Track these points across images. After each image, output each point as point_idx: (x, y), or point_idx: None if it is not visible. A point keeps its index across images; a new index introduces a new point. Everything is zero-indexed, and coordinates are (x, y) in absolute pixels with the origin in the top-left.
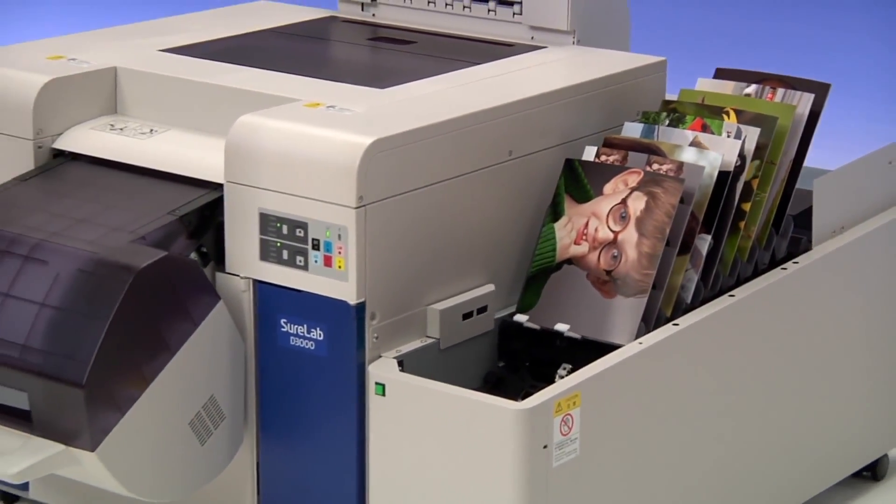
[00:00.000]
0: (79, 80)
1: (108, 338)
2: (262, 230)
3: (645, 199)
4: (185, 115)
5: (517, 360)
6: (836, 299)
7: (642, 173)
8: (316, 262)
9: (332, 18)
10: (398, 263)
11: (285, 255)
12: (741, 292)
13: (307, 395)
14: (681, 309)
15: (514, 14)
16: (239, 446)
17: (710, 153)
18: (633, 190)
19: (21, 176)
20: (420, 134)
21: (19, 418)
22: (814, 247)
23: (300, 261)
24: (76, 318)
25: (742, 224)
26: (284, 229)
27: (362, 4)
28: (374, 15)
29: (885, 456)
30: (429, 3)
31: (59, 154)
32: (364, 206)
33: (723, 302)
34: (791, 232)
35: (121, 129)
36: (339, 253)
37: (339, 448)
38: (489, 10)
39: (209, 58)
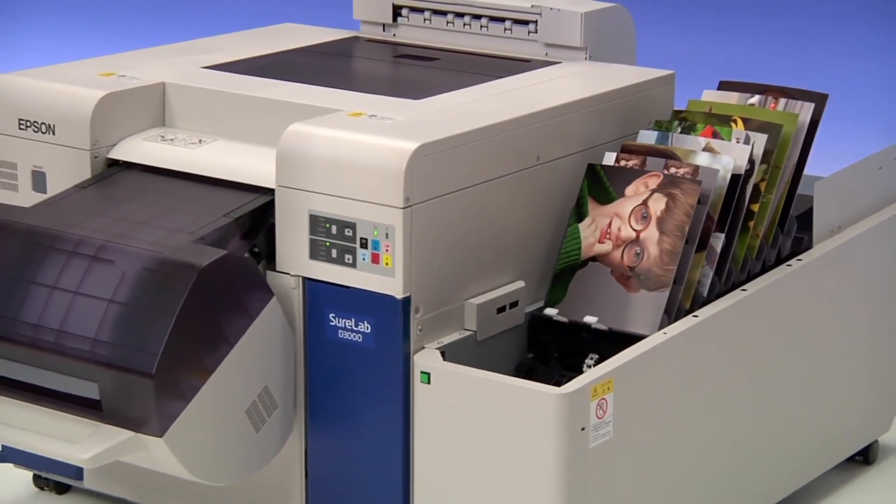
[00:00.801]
0: (130, 94)
1: (174, 331)
2: (312, 230)
3: (665, 200)
4: (232, 126)
5: (546, 351)
6: (834, 294)
7: (662, 176)
8: (364, 259)
9: (356, 38)
10: (439, 260)
11: (334, 253)
12: (752, 287)
13: (354, 385)
14: (698, 302)
15: (529, 32)
16: (289, 434)
17: (722, 157)
18: (653, 192)
19: (80, 184)
20: (459, 140)
21: (89, 407)
22: (814, 245)
23: (348, 259)
24: (143, 313)
25: (751, 224)
26: (333, 229)
27: (383, 25)
28: (394, 35)
29: (876, 442)
30: (448, 23)
31: (114, 163)
32: (410, 206)
33: (736, 296)
34: (794, 231)
35: (171, 140)
36: (387, 251)
37: (384, 434)
38: (505, 29)
39: (249, 73)
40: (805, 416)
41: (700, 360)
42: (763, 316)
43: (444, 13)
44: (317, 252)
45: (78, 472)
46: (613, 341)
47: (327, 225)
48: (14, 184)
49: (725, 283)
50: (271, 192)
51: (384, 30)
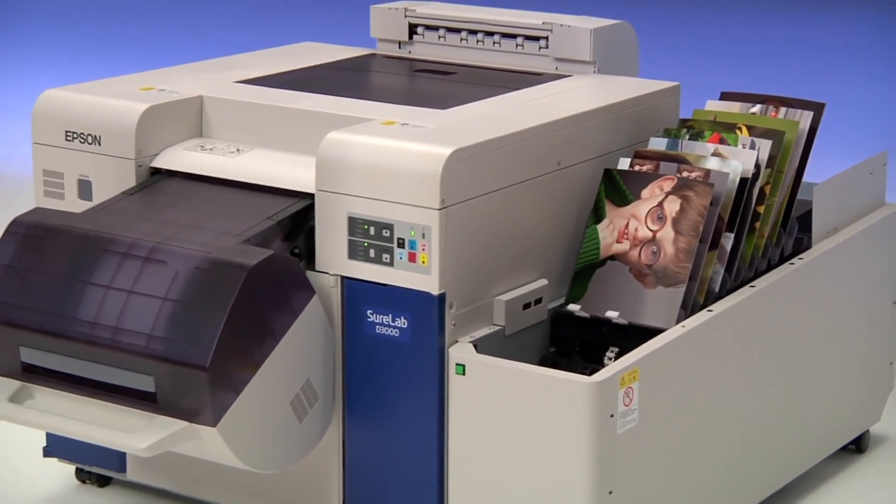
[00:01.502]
0: (171, 107)
1: (226, 326)
2: (350, 232)
3: (679, 201)
4: (267, 136)
5: (568, 345)
6: (831, 291)
7: (676, 179)
8: (401, 258)
9: (374, 55)
10: (470, 259)
11: (372, 253)
12: (760, 283)
13: (391, 378)
14: (711, 297)
15: (539, 48)
16: (329, 424)
17: (731, 162)
18: (668, 194)
19: (126, 191)
20: (488, 146)
21: (144, 400)
22: (814, 245)
23: (386, 258)
24: (196, 310)
25: (757, 224)
26: (371, 230)
27: (399, 43)
28: (410, 52)
29: (868, 431)
30: (461, 40)
31: (156, 171)
32: (445, 208)
33: (746, 292)
34: (796, 232)
35: (210, 149)
36: (423, 250)
37: (420, 424)
38: (517, 45)
39: (280, 87)
40: (805, 405)
41: (714, 352)
42: (769, 311)
43: (458, 31)
44: (355, 252)
45: (121, 465)
46: (632, 335)
47: (365, 226)
48: (61, 192)
49: (735, 279)
50: (310, 196)
51: (400, 47)
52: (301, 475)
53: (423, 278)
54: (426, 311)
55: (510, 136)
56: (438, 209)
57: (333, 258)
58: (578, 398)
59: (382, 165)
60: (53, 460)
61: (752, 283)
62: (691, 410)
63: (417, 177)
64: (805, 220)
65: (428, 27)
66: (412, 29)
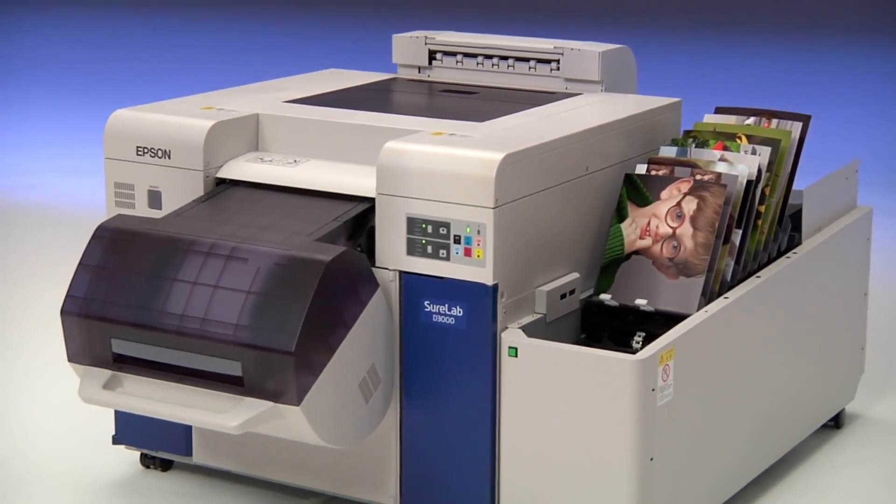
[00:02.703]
0: (233, 123)
1: (308, 315)
2: (409, 230)
3: (696, 201)
4: (320, 148)
5: (597, 331)
6: (819, 281)
7: (692, 181)
8: (457, 253)
9: (396, 79)
10: (517, 253)
11: (429, 249)
12: (765, 274)
13: (446, 362)
14: (725, 286)
15: (551, 70)
16: (389, 406)
17: (739, 165)
18: (685, 194)
19: (197, 199)
20: (533, 152)
21: (231, 383)
22: (804, 241)
23: (442, 253)
24: (279, 301)
25: (759, 222)
26: (429, 229)
27: (419, 68)
28: (429, 76)
29: (844, 409)
30: (478, 64)
31: (221, 182)
32: (498, 206)
33: (754, 282)
34: (789, 229)
35: (269, 161)
36: (478, 245)
37: (474, 403)
38: (529, 68)
39: (325, 105)
40: (796, 384)
41: (731, 334)
42: (773, 299)
43: (474, 56)
44: (413, 249)
45: (187, 449)
46: (657, 321)
47: (423, 225)
48: (131, 202)
49: (742, 270)
50: (369, 200)
51: (419, 71)
52: (360, 454)
53: (479, 270)
54: (481, 300)
55: (550, 143)
56: (493, 208)
57: (393, 255)
58: (625, 374)
59: (440, 170)
60: (120, 448)
61: (757, 274)
62: (714, 386)
63: (473, 179)
64: (794, 219)
65: (446, 53)
66: (431, 55)
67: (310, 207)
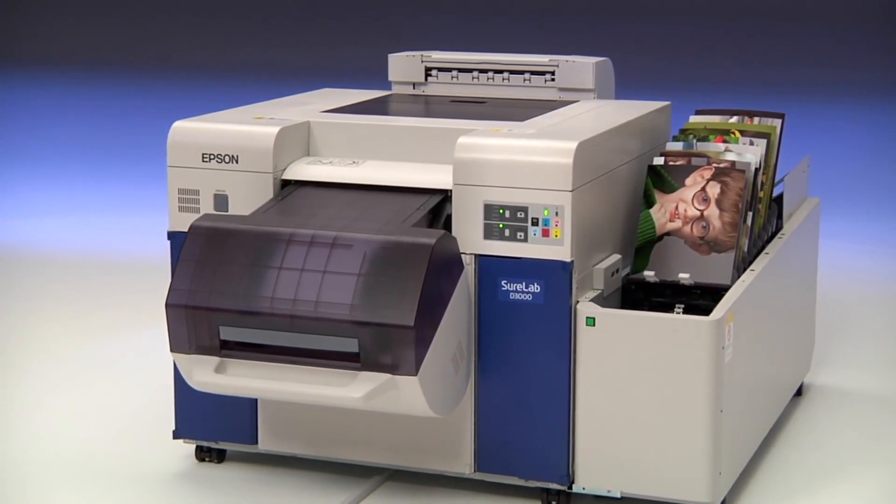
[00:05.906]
0: (293, 129)
1: (423, 291)
2: (486, 216)
3: (719, 185)
4: (373, 150)
5: (637, 306)
6: (797, 259)
7: (714, 168)
8: (535, 234)
9: (395, 95)
10: (583, 234)
11: (507, 232)
12: (771, 249)
13: (523, 336)
14: (745, 262)
15: (545, 80)
16: (470, 377)
17: (747, 155)
18: (708, 180)
19: (273, 198)
20: (595, 140)
21: (346, 360)
22: (784, 223)
23: (520, 235)
24: (391, 281)
25: (760, 206)
26: (507, 213)
27: (413, 84)
28: (423, 91)
29: (804, 381)
30: (473, 78)
31: (286, 183)
32: (574, 189)
33: (766, 258)
34: (777, 213)
35: (330, 163)
36: (556, 225)
37: (552, 372)
38: (524, 80)
39: (359, 113)
40: (786, 351)
41: (761, 301)
42: (780, 271)
43: (469, 71)
44: (490, 233)
45: (252, 437)
46: (693, 294)
47: (501, 210)
48: (196, 206)
49: (754, 247)
50: (441, 192)
51: (414, 87)
52: (433, 426)
53: (557, 249)
54: (559, 276)
55: (604, 134)
56: (570, 191)
57: (470, 239)
58: (702, 334)
59: (518, 160)
60: (179, 442)
61: (765, 251)
62: (752, 346)
63: (552, 165)
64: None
65: (441, 69)
66: (427, 72)
67: (388, 201)
